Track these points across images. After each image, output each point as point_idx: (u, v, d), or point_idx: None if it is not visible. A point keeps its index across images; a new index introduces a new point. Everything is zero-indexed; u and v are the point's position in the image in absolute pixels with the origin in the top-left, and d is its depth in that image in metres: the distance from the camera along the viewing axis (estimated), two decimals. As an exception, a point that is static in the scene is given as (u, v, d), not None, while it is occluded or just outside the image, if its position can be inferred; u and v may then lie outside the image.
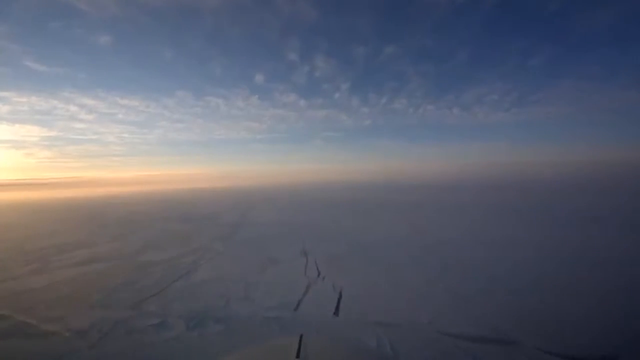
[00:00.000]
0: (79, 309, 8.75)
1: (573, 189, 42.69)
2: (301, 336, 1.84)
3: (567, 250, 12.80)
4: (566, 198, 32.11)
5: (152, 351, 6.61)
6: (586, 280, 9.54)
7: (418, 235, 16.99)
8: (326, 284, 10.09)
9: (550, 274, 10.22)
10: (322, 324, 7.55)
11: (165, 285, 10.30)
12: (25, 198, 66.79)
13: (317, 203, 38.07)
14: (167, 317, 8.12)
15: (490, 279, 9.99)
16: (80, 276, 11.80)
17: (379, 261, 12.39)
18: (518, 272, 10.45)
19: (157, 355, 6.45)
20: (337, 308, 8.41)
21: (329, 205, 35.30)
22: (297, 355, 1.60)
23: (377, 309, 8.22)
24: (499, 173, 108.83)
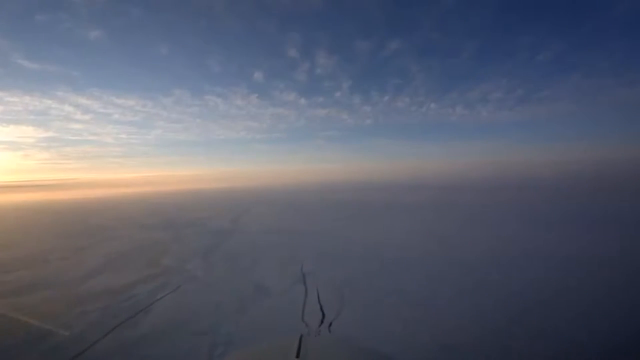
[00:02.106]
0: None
1: (586, 188, 39.10)
2: (301, 336, 1.83)
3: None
4: (590, 198, 28.53)
5: None
6: None
7: (446, 248, 13.50)
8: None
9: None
10: None
11: (93, 340, 6.88)
12: (11, 201, 63.73)
13: (319, 205, 34.63)
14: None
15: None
16: (-10, 317, 8.39)
17: (410, 293, 8.91)
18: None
19: None
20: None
21: (332, 207, 31.81)
22: (297, 355, 1.64)
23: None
24: (502, 172, 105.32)
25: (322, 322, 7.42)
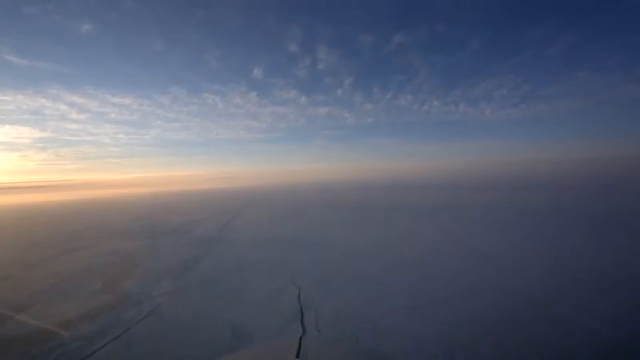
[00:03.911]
0: None
1: (604, 187, 36.38)
2: (301, 336, 1.83)
3: None
4: (615, 198, 25.71)
5: None
6: None
7: (491, 269, 10.69)
8: None
9: None
10: None
11: None
12: (-2, 203, 61.05)
13: (320, 207, 31.80)
14: None
15: None
16: None
17: (458, 350, 6.09)
18: None
19: None
20: None
21: (334, 209, 29.01)
22: (297, 355, 1.58)
23: None
24: (505, 171, 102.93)
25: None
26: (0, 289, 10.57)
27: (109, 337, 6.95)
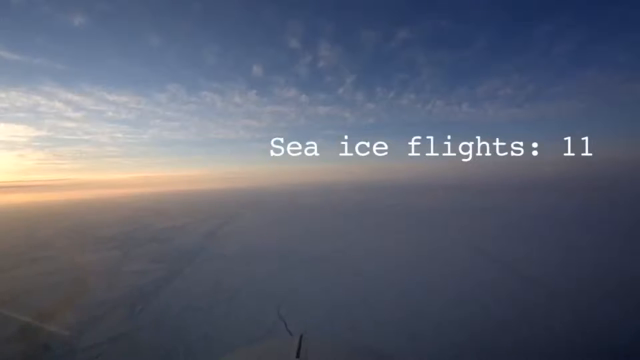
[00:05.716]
0: None
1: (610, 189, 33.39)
2: (301, 336, 1.81)
3: None
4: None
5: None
6: None
7: (557, 300, 7.89)
8: None
9: None
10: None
11: None
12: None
13: (321, 210, 28.96)
14: None
15: None
16: None
17: None
18: None
19: None
20: None
21: (337, 212, 26.11)
22: (297, 355, 1.58)
23: None
24: (507, 171, 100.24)
25: None
26: None
27: None
